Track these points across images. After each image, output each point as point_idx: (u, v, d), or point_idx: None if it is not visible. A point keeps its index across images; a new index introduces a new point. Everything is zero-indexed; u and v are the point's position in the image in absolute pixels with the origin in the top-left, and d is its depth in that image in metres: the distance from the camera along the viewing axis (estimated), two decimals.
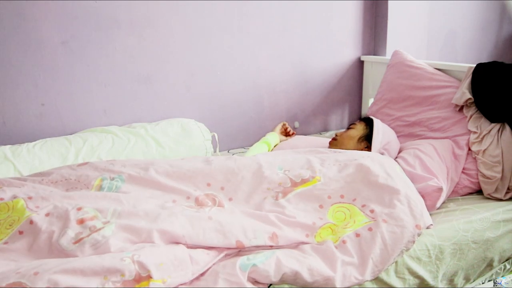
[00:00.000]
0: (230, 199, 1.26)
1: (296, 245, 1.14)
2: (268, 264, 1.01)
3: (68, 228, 1.02)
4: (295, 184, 1.29)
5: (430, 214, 1.37)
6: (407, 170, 1.43)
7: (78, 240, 1.00)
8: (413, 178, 1.39)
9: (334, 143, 1.66)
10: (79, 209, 1.07)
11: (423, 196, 1.34)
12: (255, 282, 1.01)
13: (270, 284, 1.04)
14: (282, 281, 1.03)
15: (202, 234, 1.06)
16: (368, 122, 1.66)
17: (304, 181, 1.29)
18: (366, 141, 1.61)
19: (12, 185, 1.25)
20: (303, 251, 1.10)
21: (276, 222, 1.15)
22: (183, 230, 1.06)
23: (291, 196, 1.26)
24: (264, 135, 1.86)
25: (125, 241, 1.02)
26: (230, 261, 1.03)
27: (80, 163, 1.37)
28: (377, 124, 1.62)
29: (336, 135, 1.68)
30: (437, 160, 1.48)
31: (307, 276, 1.01)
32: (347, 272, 1.05)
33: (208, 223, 1.09)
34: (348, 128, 1.69)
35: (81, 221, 1.04)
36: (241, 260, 1.02)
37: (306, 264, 1.04)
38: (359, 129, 1.64)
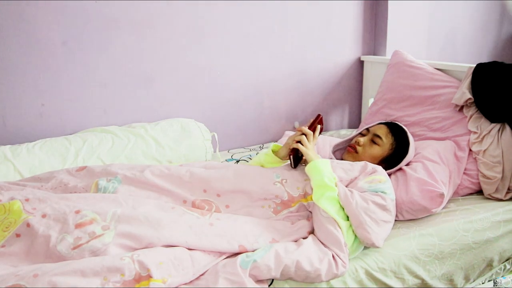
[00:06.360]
0: (227, 206, 1.25)
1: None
2: (268, 258, 1.02)
3: (67, 233, 1.00)
4: (292, 199, 1.24)
5: (430, 215, 1.37)
6: (409, 173, 1.42)
7: (76, 246, 0.98)
8: (415, 181, 1.37)
9: (354, 155, 1.48)
10: (77, 212, 1.05)
11: (424, 200, 1.33)
12: (257, 281, 1.01)
13: (271, 283, 1.04)
14: (283, 275, 1.03)
15: (205, 241, 1.06)
16: (396, 137, 1.48)
17: (301, 197, 1.25)
18: (386, 164, 1.46)
19: (11, 190, 1.24)
20: (300, 244, 1.10)
21: (274, 231, 1.16)
22: (186, 237, 1.05)
23: (287, 212, 1.24)
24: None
25: (125, 248, 1.01)
26: (231, 260, 1.03)
27: (78, 168, 1.35)
28: (410, 153, 1.47)
29: (359, 144, 1.48)
30: (440, 165, 1.46)
31: (306, 265, 1.02)
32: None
33: (210, 230, 1.09)
34: (373, 141, 1.48)
35: (79, 226, 1.02)
36: (241, 258, 1.02)
37: (304, 253, 1.05)
38: (385, 147, 1.46)
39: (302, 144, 1.29)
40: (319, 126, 1.36)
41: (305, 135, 1.32)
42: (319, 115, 1.38)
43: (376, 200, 1.17)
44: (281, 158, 1.40)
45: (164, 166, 1.34)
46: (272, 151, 1.43)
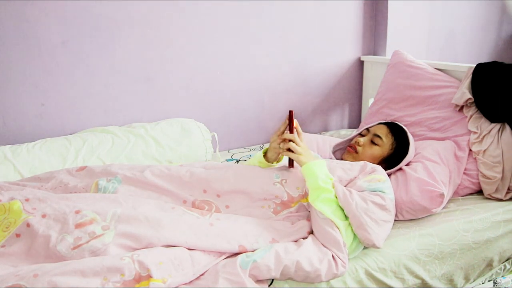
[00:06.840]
0: (227, 207, 1.24)
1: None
2: (268, 258, 1.02)
3: (67, 233, 1.00)
4: (292, 199, 1.24)
5: (430, 215, 1.37)
6: (409, 173, 1.41)
7: (76, 246, 0.98)
8: (415, 181, 1.37)
9: (354, 155, 1.49)
10: (77, 212, 1.05)
11: (424, 200, 1.33)
12: (256, 281, 1.01)
13: (271, 283, 1.04)
14: (283, 275, 1.03)
15: (205, 241, 1.06)
16: (396, 137, 1.49)
17: (301, 197, 1.24)
18: (386, 164, 1.47)
19: (11, 190, 1.24)
20: (300, 244, 1.10)
21: (274, 231, 1.15)
22: (185, 237, 1.05)
23: (287, 212, 1.23)
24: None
25: (125, 248, 1.01)
26: (230, 260, 1.03)
27: (78, 168, 1.35)
28: (410, 153, 1.47)
29: (358, 144, 1.49)
30: (440, 165, 1.46)
31: (306, 265, 1.02)
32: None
33: (210, 230, 1.09)
34: (373, 141, 1.48)
35: (79, 226, 1.02)
36: (241, 258, 1.02)
37: (304, 254, 1.05)
38: (385, 147, 1.47)
39: (292, 151, 1.26)
40: (295, 121, 1.32)
41: (291, 140, 1.28)
42: (290, 111, 1.33)
43: (376, 200, 1.17)
44: (271, 162, 1.38)
45: (164, 166, 1.34)
46: (264, 153, 1.40)
